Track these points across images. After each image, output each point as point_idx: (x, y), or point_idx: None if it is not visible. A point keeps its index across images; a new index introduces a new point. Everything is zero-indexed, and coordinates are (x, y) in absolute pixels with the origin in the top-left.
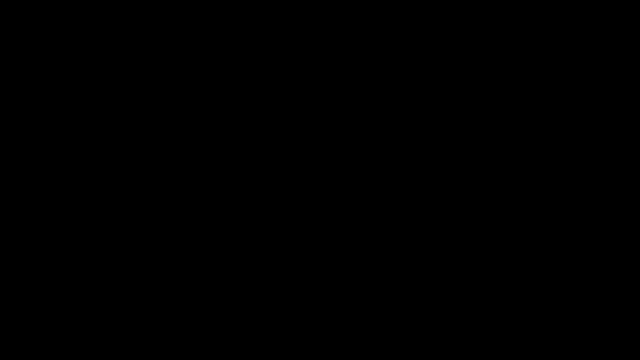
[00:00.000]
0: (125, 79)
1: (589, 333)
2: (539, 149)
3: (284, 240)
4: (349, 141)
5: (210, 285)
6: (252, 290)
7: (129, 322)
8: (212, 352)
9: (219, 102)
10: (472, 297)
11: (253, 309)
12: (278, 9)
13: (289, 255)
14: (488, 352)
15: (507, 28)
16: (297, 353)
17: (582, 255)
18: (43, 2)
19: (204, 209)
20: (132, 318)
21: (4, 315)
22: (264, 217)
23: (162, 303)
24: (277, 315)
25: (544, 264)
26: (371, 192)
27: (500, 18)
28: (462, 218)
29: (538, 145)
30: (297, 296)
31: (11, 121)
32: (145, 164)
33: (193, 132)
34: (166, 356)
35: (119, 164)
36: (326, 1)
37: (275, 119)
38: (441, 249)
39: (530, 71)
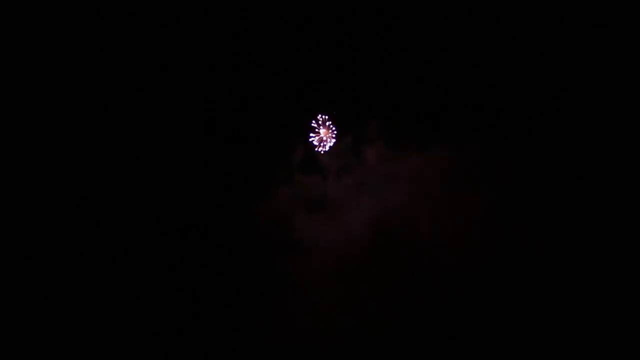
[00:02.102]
0: (125, 79)
1: (589, 333)
2: (539, 149)
3: (284, 240)
4: (349, 140)
5: (210, 285)
6: (252, 290)
7: (129, 322)
8: (212, 352)
9: (219, 102)
10: (472, 297)
11: (253, 309)
12: (278, 9)
13: (289, 255)
14: (488, 352)
15: (507, 28)
16: (297, 353)
17: (583, 255)
18: (43, 2)
19: (204, 209)
20: (132, 318)
21: (4, 315)
22: (264, 217)
23: (162, 303)
24: (277, 314)
25: (544, 263)
26: (373, 191)
27: (500, 18)
28: (462, 218)
29: (538, 145)
30: (297, 296)
31: (11, 121)
32: (145, 163)
33: (193, 132)
34: (166, 356)
35: (118, 164)
36: (326, 1)
37: (275, 119)
38: (442, 248)
39: (530, 71)
